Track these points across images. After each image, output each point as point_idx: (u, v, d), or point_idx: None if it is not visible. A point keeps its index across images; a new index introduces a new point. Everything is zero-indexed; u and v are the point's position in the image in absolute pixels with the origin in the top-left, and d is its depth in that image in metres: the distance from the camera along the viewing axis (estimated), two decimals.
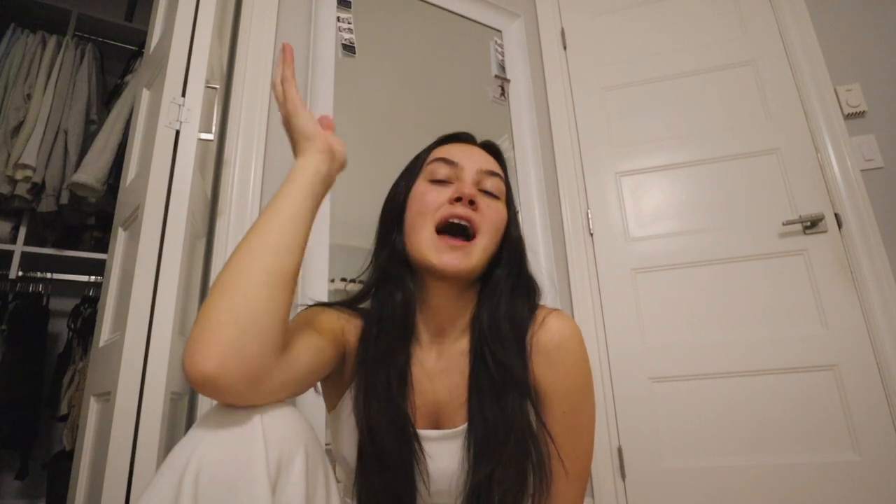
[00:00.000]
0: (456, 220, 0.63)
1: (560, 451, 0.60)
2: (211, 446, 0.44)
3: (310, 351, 0.56)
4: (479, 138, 0.76)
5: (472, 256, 0.63)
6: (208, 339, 0.45)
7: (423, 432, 0.61)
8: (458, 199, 0.63)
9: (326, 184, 0.60)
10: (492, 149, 0.75)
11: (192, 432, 0.46)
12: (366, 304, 0.70)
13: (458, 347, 0.66)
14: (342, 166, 0.64)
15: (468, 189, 0.63)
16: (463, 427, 0.61)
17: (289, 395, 0.54)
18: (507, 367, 0.60)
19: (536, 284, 0.70)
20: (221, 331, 0.45)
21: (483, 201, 0.65)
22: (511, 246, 0.68)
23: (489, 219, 0.65)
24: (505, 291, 0.66)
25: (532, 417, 0.60)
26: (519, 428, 0.58)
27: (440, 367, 0.66)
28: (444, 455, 0.60)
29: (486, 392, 0.60)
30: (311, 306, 0.69)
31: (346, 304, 0.70)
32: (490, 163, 0.70)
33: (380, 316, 0.64)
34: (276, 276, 0.50)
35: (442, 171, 0.67)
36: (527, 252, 0.71)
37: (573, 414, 0.62)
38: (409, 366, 0.64)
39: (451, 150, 0.70)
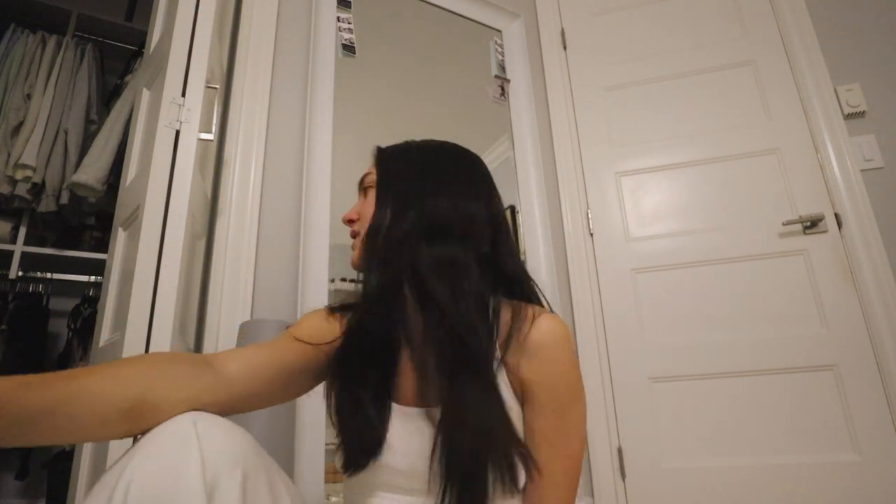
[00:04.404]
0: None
1: (551, 449, 0.61)
2: (144, 459, 0.43)
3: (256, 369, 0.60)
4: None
5: (355, 250, 0.69)
6: None
7: (405, 408, 0.64)
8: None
9: None
10: (375, 155, 0.75)
11: (127, 451, 0.46)
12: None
13: None
14: None
15: (344, 215, 0.72)
16: (436, 408, 0.61)
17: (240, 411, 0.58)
18: (466, 339, 0.59)
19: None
20: None
21: (358, 207, 0.71)
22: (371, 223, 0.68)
23: (363, 218, 0.69)
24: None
25: (507, 397, 0.60)
26: (487, 409, 0.58)
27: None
28: (414, 433, 0.62)
29: (448, 368, 0.59)
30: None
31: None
32: (370, 168, 0.73)
33: (361, 332, 0.65)
34: None
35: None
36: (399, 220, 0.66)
37: (563, 413, 0.62)
38: (391, 378, 0.66)
39: None
